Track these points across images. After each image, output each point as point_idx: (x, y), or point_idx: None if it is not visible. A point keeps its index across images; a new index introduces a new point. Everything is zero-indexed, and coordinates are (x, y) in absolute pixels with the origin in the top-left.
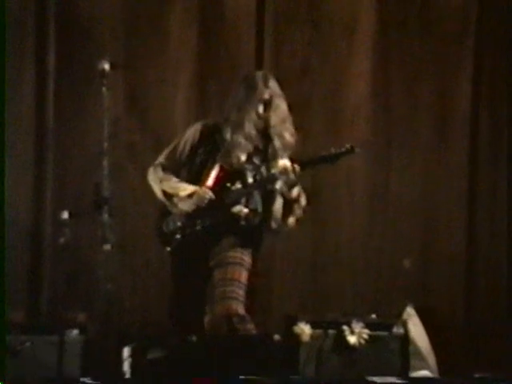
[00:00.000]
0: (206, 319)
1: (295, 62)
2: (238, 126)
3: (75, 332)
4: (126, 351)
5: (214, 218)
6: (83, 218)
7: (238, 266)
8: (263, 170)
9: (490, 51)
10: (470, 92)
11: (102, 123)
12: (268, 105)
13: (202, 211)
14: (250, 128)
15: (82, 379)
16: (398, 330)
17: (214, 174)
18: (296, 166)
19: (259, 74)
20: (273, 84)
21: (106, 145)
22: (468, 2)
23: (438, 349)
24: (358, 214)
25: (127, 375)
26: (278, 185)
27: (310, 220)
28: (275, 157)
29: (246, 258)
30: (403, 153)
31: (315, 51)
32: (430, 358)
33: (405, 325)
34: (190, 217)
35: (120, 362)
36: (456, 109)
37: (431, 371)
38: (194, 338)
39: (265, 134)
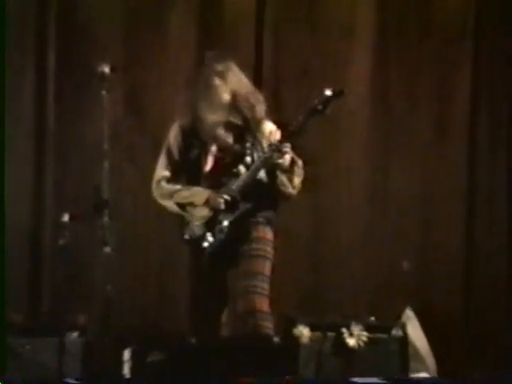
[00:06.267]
0: (227, 313)
1: (294, 63)
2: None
3: (75, 334)
4: (126, 353)
5: (235, 213)
6: (83, 221)
7: (262, 258)
8: (257, 146)
9: (488, 52)
10: (469, 93)
11: (102, 125)
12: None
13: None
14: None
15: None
16: (396, 332)
17: (210, 161)
18: (285, 132)
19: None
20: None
21: (105, 147)
22: (466, 4)
23: (437, 351)
24: (357, 215)
25: (127, 377)
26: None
27: (309, 221)
28: (257, 125)
29: (269, 248)
30: (402, 153)
31: (314, 53)
32: (429, 360)
33: (404, 327)
34: (212, 218)
35: (120, 364)
36: (455, 110)
37: (430, 373)
38: (194, 340)
39: (236, 108)
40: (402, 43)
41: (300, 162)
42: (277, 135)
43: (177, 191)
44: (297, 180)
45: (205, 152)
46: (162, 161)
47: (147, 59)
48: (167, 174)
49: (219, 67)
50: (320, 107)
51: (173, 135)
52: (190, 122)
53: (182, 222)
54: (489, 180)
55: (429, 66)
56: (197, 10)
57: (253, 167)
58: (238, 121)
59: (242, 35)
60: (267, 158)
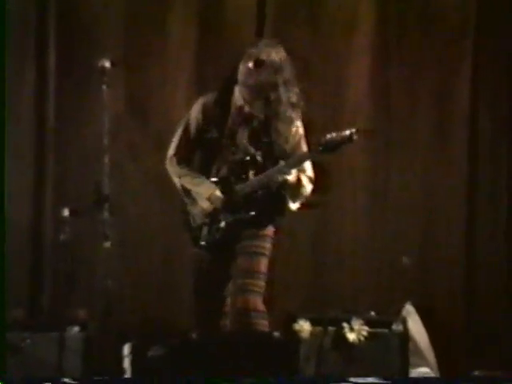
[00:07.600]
0: (224, 311)
1: (295, 61)
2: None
3: (76, 329)
4: (127, 348)
5: (235, 216)
6: (83, 216)
7: (260, 255)
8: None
9: (488, 50)
10: (469, 91)
11: (102, 121)
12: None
13: (223, 208)
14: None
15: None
16: (397, 327)
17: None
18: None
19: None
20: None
21: (106, 142)
22: (467, 2)
23: (438, 346)
24: (359, 212)
25: (127, 372)
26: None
27: (311, 218)
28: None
29: (268, 244)
30: (403, 152)
31: (315, 51)
32: (430, 355)
33: (404, 322)
34: (213, 214)
35: (120, 359)
36: (455, 108)
37: (430, 368)
38: (195, 336)
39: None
40: (403, 41)
41: (304, 181)
42: (296, 136)
43: (185, 175)
44: (299, 197)
45: (221, 137)
46: (178, 137)
47: (148, 56)
48: (181, 151)
49: (274, 55)
50: (335, 147)
51: (194, 113)
52: (214, 99)
53: (183, 209)
54: (490, 179)
55: (429, 65)
56: (197, 9)
57: (260, 179)
58: (259, 113)
59: (243, 34)
60: (274, 177)
